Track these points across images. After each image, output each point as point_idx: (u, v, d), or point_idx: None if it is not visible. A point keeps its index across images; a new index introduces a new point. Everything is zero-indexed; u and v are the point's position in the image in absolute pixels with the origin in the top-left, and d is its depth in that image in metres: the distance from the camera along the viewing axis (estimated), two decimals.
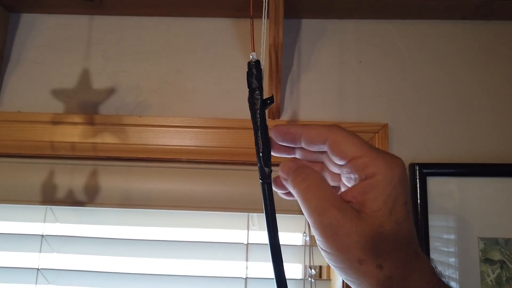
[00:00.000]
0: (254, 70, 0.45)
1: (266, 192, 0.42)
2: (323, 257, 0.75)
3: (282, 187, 0.37)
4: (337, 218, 0.29)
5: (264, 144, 0.44)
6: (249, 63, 0.46)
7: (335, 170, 0.35)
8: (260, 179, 0.43)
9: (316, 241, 0.31)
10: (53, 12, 0.80)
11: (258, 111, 0.45)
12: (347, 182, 0.33)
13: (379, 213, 0.29)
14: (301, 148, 0.37)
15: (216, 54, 0.78)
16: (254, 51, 0.47)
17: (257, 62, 0.46)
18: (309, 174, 0.33)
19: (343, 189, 0.35)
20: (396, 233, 0.29)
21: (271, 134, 0.38)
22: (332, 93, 0.76)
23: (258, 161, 0.44)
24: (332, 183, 0.36)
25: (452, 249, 0.69)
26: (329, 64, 0.77)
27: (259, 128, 0.44)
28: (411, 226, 0.30)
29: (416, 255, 0.29)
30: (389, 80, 0.76)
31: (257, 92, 0.45)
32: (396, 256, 0.28)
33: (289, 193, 0.38)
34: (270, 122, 0.42)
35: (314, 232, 0.31)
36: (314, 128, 0.34)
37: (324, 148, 0.34)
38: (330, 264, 0.31)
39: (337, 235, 0.29)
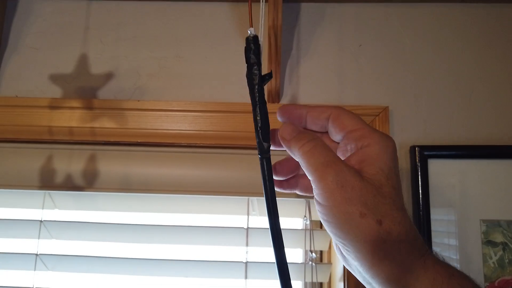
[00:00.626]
0: (252, 45, 0.45)
1: (265, 166, 0.42)
2: (323, 242, 0.73)
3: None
4: (343, 171, 0.30)
5: (262, 119, 0.43)
6: (247, 39, 0.45)
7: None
8: (259, 154, 0.42)
9: (316, 196, 0.32)
10: None
11: (256, 86, 0.45)
12: (343, 156, 0.34)
13: (377, 176, 0.30)
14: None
15: (214, 38, 0.78)
16: (251, 27, 0.47)
17: (255, 37, 0.46)
18: (315, 137, 0.34)
19: None
20: (394, 196, 0.30)
21: (277, 113, 0.39)
22: (332, 76, 0.76)
23: (257, 136, 0.43)
24: None
25: (453, 231, 0.69)
26: (328, 48, 0.77)
27: (258, 103, 0.44)
28: (403, 197, 0.32)
29: (411, 221, 0.31)
30: (389, 63, 0.76)
31: (255, 67, 0.44)
32: (394, 215, 0.29)
33: (284, 183, 0.40)
34: (270, 106, 0.42)
35: (316, 188, 0.31)
36: (318, 106, 0.37)
37: (326, 126, 0.36)
38: (325, 222, 0.31)
39: (343, 187, 0.30)
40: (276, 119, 0.75)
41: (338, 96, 0.75)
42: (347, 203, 0.29)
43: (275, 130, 0.40)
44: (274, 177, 0.40)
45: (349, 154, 0.34)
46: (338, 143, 0.36)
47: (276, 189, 0.40)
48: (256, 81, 0.45)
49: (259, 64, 0.45)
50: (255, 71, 0.45)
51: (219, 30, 0.78)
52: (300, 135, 0.35)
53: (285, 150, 0.38)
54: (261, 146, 0.42)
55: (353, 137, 0.33)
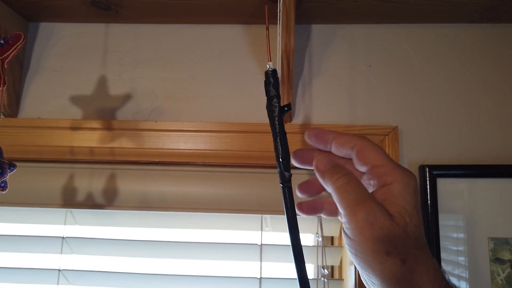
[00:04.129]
0: (271, 79, 0.48)
1: (287, 195, 0.45)
2: (335, 258, 0.76)
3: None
4: (374, 210, 0.32)
5: (283, 149, 0.46)
6: (266, 72, 0.48)
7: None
8: (281, 183, 0.45)
9: (346, 230, 0.34)
10: (71, 21, 0.83)
11: (277, 118, 0.47)
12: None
13: (401, 216, 0.32)
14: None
15: (228, 60, 0.80)
16: (270, 61, 0.49)
17: (274, 71, 0.48)
18: (349, 172, 0.36)
19: None
20: (417, 234, 0.32)
21: (305, 135, 0.42)
22: (342, 96, 0.78)
23: (278, 166, 0.46)
24: None
25: (462, 249, 0.71)
26: (339, 68, 0.79)
27: (278, 134, 0.46)
28: (424, 232, 0.33)
29: (431, 256, 0.33)
30: (399, 83, 0.78)
31: (275, 100, 0.47)
32: (417, 254, 0.32)
33: (310, 209, 0.42)
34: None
35: (347, 223, 0.34)
36: (345, 134, 0.39)
37: (351, 154, 0.38)
38: (353, 255, 0.33)
39: (372, 225, 0.32)
40: (292, 140, 0.78)
41: (349, 116, 0.77)
42: (375, 241, 0.31)
43: (302, 151, 0.42)
44: (300, 195, 0.43)
45: (372, 188, 0.36)
46: (363, 173, 0.38)
47: (303, 215, 0.43)
48: (276, 113, 0.47)
49: (278, 97, 0.48)
50: (275, 104, 0.48)
51: (233, 51, 0.81)
52: (334, 168, 0.37)
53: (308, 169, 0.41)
54: (283, 176, 0.45)
55: (376, 173, 0.35)
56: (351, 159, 0.39)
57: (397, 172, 0.34)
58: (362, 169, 0.37)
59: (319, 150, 0.41)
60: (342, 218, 0.35)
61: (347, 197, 0.34)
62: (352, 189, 0.34)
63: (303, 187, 0.42)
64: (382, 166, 0.35)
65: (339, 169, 0.37)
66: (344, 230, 0.35)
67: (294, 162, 0.42)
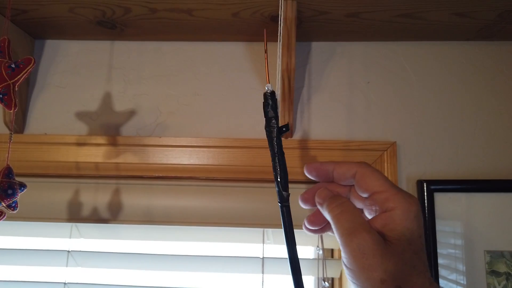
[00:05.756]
0: (269, 101, 0.50)
1: (285, 214, 0.47)
2: (335, 270, 0.78)
3: (308, 202, 0.43)
4: (366, 239, 0.33)
5: (281, 169, 0.48)
6: (265, 94, 0.50)
7: (358, 205, 0.39)
8: (279, 202, 0.47)
9: (343, 259, 0.35)
10: (76, 38, 0.85)
11: (275, 138, 0.49)
12: (368, 214, 0.38)
13: (399, 242, 0.33)
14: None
15: (231, 76, 0.82)
16: (269, 83, 0.51)
17: (272, 93, 0.50)
18: (344, 201, 0.37)
19: None
20: (415, 260, 0.33)
21: (305, 170, 0.43)
22: (341, 112, 0.80)
23: (277, 185, 0.48)
24: None
25: (459, 262, 0.72)
26: (338, 85, 0.81)
27: (276, 154, 0.48)
28: (425, 257, 0.34)
29: (431, 282, 0.33)
30: (397, 99, 0.80)
31: (273, 121, 0.49)
32: (414, 281, 0.32)
33: (317, 229, 0.44)
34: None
35: (343, 251, 0.35)
36: (344, 163, 0.40)
37: (353, 182, 0.39)
38: (351, 282, 0.35)
39: (364, 254, 0.33)
40: (292, 155, 0.80)
41: (348, 132, 0.79)
42: (369, 269, 0.32)
43: (315, 164, 0.43)
44: (311, 227, 0.45)
45: (374, 214, 0.37)
46: (365, 199, 0.39)
47: (310, 234, 0.45)
48: (274, 133, 0.49)
49: (276, 118, 0.50)
50: (273, 125, 0.49)
51: (235, 68, 0.83)
52: (331, 198, 0.39)
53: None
54: (281, 195, 0.47)
55: (377, 199, 0.36)
56: (352, 185, 0.40)
57: (398, 197, 0.34)
58: (364, 195, 0.38)
59: (332, 163, 0.42)
60: (340, 247, 0.36)
61: (341, 227, 0.35)
62: (346, 218, 0.35)
63: (310, 219, 0.44)
64: (383, 192, 0.35)
65: (336, 199, 0.38)
66: (342, 260, 0.36)
67: (308, 174, 0.44)
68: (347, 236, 0.34)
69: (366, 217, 0.38)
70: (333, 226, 0.37)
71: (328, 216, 0.38)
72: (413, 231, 0.33)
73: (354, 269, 0.34)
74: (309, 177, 0.43)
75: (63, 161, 0.78)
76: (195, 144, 0.77)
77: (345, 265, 0.35)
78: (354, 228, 0.34)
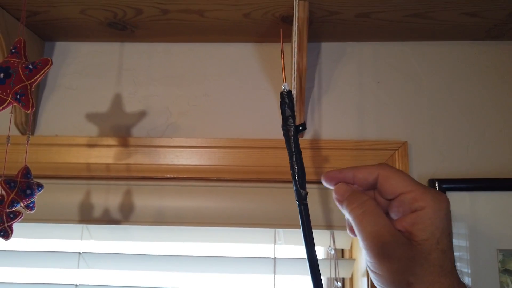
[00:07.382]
0: (286, 100, 0.50)
1: (303, 212, 0.46)
2: (347, 270, 0.77)
3: (332, 181, 0.40)
4: (391, 243, 0.32)
5: (299, 167, 0.48)
6: (281, 93, 0.50)
7: (382, 205, 0.38)
8: (297, 200, 0.47)
9: (367, 263, 0.35)
10: (86, 40, 0.85)
11: (292, 137, 0.49)
12: (394, 215, 0.36)
13: (427, 242, 0.32)
14: None
15: (240, 77, 0.82)
16: (285, 82, 0.51)
17: (289, 92, 0.50)
18: (366, 200, 0.36)
19: None
20: (442, 261, 0.32)
21: (322, 180, 0.42)
22: (352, 112, 0.80)
23: (294, 184, 0.47)
24: None
25: (472, 260, 0.72)
26: (348, 85, 0.81)
27: (294, 153, 0.48)
28: (453, 255, 0.33)
29: (458, 282, 0.33)
30: (407, 99, 0.80)
31: (290, 120, 0.49)
32: (442, 281, 0.32)
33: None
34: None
35: (366, 255, 0.34)
36: (363, 168, 0.38)
37: (375, 185, 0.37)
38: (377, 286, 0.34)
39: (390, 258, 0.32)
40: (304, 155, 0.80)
41: (359, 131, 0.79)
42: (395, 273, 0.32)
43: (333, 173, 0.41)
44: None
45: (401, 215, 0.35)
46: (390, 199, 0.37)
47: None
48: (292, 132, 0.49)
49: (293, 117, 0.50)
50: (290, 124, 0.49)
51: (245, 69, 0.83)
52: (352, 196, 0.37)
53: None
54: (299, 194, 0.47)
55: (405, 200, 0.34)
56: (375, 188, 0.38)
57: (427, 196, 0.33)
58: (390, 197, 0.36)
59: (351, 169, 0.40)
60: (363, 250, 0.35)
61: (364, 230, 0.34)
62: (369, 220, 0.34)
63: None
64: (410, 192, 0.34)
65: (356, 197, 0.36)
66: (366, 264, 0.35)
67: (327, 184, 0.42)
68: (371, 240, 0.33)
69: (392, 218, 0.37)
70: (355, 228, 0.36)
71: (349, 216, 0.37)
72: (443, 230, 0.33)
73: (380, 273, 0.33)
74: (328, 186, 0.41)
75: (74, 163, 0.78)
76: (206, 145, 0.77)
77: (370, 269, 0.34)
78: (378, 231, 0.33)
